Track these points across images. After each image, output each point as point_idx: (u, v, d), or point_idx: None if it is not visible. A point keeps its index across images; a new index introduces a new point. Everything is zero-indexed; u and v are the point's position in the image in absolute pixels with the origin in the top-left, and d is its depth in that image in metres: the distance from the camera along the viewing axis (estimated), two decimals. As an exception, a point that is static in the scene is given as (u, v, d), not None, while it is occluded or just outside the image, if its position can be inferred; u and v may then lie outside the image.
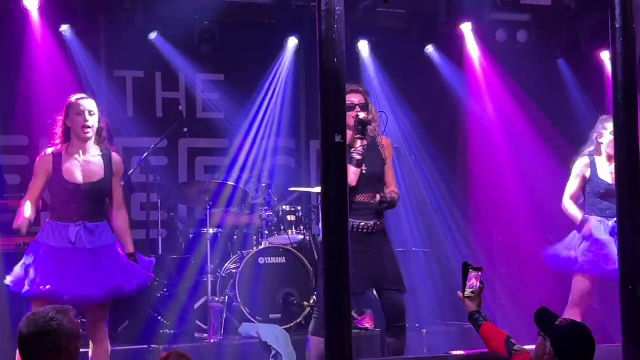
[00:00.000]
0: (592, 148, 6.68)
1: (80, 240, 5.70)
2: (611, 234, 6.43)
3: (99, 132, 5.86)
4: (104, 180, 5.82)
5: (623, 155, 4.35)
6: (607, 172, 6.56)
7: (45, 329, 3.47)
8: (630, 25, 4.34)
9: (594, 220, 6.59)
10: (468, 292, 4.48)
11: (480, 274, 4.51)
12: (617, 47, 4.33)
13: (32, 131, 8.10)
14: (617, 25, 4.33)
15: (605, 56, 8.80)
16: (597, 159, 6.65)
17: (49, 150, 5.85)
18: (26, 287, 5.63)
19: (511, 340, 4.28)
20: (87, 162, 5.81)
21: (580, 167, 6.68)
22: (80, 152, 5.81)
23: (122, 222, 5.98)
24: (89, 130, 5.78)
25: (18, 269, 5.74)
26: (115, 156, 5.96)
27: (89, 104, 5.85)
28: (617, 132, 4.41)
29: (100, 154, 5.87)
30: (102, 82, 8.51)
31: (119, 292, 5.77)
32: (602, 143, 6.62)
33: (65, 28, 8.23)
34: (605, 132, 6.52)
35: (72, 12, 8.24)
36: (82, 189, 5.76)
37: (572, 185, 6.74)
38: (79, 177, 5.77)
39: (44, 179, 5.80)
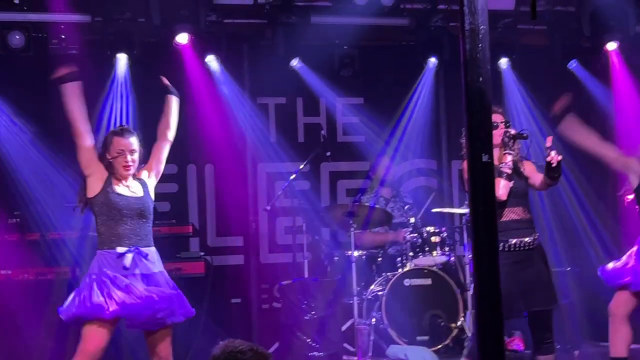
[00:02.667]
0: None
1: (133, 266, 5.48)
2: None
3: (137, 167, 5.71)
4: (145, 197, 5.66)
5: None
6: None
7: (230, 357, 3.42)
8: None
9: None
10: None
11: None
12: None
13: (180, 159, 8.40)
14: None
15: None
16: None
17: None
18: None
19: None
20: (128, 186, 5.64)
21: None
22: (122, 181, 5.66)
23: None
24: (130, 168, 5.64)
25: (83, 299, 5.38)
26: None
27: (130, 142, 5.64)
28: None
29: (137, 181, 5.72)
30: (245, 109, 8.74)
31: (163, 320, 5.49)
32: None
33: (210, 58, 8.51)
34: None
35: (217, 43, 8.51)
36: (132, 204, 5.56)
37: None
38: (126, 193, 5.60)
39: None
